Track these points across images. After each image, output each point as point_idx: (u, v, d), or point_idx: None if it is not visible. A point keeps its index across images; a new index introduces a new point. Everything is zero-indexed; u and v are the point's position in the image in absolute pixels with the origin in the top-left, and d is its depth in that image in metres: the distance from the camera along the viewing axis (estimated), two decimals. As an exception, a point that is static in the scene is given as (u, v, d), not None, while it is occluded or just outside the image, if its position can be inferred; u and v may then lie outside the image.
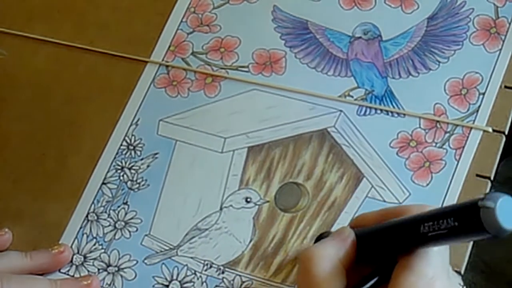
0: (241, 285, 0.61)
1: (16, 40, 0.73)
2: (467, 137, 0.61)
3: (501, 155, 0.62)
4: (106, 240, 0.64)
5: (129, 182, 0.66)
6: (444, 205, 0.59)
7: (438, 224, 0.47)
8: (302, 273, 0.53)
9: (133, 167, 0.66)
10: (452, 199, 0.60)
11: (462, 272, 0.58)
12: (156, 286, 0.62)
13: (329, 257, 0.53)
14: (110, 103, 0.69)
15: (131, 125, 0.68)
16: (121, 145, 0.67)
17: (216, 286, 0.61)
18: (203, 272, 0.62)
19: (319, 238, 0.59)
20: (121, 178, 0.66)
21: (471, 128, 0.62)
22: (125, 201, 0.65)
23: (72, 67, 0.71)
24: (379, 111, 0.64)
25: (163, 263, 0.62)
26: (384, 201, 0.61)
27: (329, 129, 0.64)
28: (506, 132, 0.61)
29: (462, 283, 0.56)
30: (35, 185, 0.67)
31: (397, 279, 0.51)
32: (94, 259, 0.64)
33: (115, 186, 0.66)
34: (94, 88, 0.70)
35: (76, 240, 0.65)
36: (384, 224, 0.53)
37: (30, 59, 0.72)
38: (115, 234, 0.64)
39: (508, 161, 0.77)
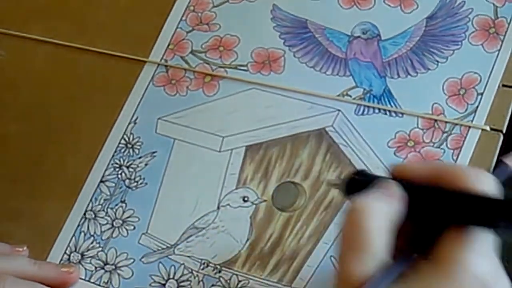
0: (237, 284, 0.61)
1: (14, 41, 0.73)
2: (465, 137, 0.61)
3: (501, 155, 0.61)
4: (103, 238, 0.64)
5: (127, 181, 0.66)
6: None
7: None
8: (351, 225, 0.48)
9: (131, 166, 0.66)
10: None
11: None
12: (153, 284, 0.62)
13: (383, 213, 0.47)
14: (109, 104, 0.69)
15: (129, 123, 0.68)
16: (119, 143, 0.67)
17: (213, 285, 0.61)
18: (200, 271, 0.62)
19: (352, 181, 0.53)
20: (119, 176, 0.66)
21: (469, 127, 0.61)
22: (122, 200, 0.65)
23: (71, 67, 0.71)
24: (377, 111, 0.64)
25: (160, 262, 0.62)
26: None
27: (327, 129, 0.64)
28: (504, 131, 0.61)
29: None
30: (33, 185, 0.68)
31: (453, 254, 0.46)
32: (92, 257, 0.64)
33: (113, 185, 0.66)
34: (92, 88, 0.70)
35: (73, 238, 0.65)
36: (446, 190, 0.48)
37: (28, 60, 0.73)
38: (112, 233, 0.64)
39: (508, 161, 0.77)
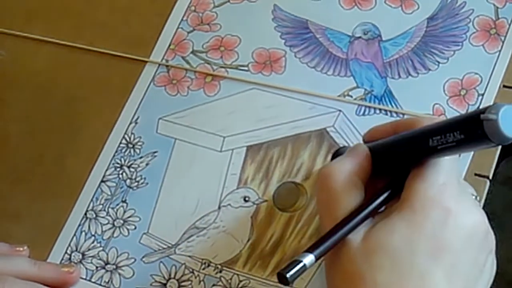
0: (238, 284, 0.61)
1: (15, 41, 0.74)
2: (466, 137, 0.61)
3: (501, 155, 0.61)
4: (104, 238, 0.64)
5: (128, 180, 0.66)
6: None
7: (446, 137, 0.49)
8: (321, 188, 0.55)
9: (132, 165, 0.66)
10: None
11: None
12: (154, 284, 0.62)
13: (346, 171, 0.54)
14: (110, 104, 0.69)
15: (130, 123, 0.68)
16: (120, 143, 0.67)
17: (214, 285, 0.61)
18: (201, 270, 0.62)
19: (335, 154, 0.60)
20: (120, 176, 0.66)
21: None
22: (123, 199, 0.65)
23: (72, 67, 0.71)
24: (378, 111, 0.64)
25: (161, 262, 0.63)
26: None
27: (328, 129, 0.64)
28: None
29: (475, 194, 0.57)
30: (34, 186, 0.68)
31: (409, 188, 0.52)
32: (92, 256, 0.64)
33: (114, 184, 0.66)
34: (93, 88, 0.70)
35: (74, 238, 0.65)
36: (395, 137, 0.55)
37: (29, 60, 0.73)
38: (113, 232, 0.64)
39: (508, 161, 0.77)
